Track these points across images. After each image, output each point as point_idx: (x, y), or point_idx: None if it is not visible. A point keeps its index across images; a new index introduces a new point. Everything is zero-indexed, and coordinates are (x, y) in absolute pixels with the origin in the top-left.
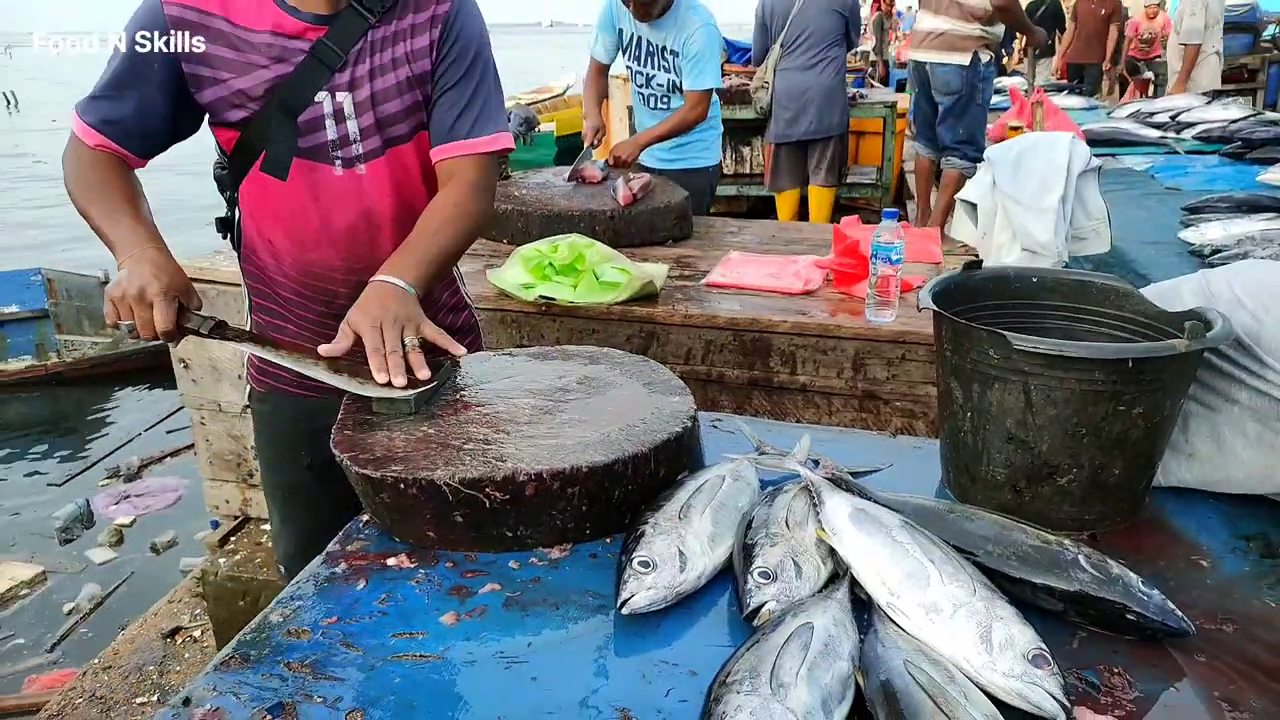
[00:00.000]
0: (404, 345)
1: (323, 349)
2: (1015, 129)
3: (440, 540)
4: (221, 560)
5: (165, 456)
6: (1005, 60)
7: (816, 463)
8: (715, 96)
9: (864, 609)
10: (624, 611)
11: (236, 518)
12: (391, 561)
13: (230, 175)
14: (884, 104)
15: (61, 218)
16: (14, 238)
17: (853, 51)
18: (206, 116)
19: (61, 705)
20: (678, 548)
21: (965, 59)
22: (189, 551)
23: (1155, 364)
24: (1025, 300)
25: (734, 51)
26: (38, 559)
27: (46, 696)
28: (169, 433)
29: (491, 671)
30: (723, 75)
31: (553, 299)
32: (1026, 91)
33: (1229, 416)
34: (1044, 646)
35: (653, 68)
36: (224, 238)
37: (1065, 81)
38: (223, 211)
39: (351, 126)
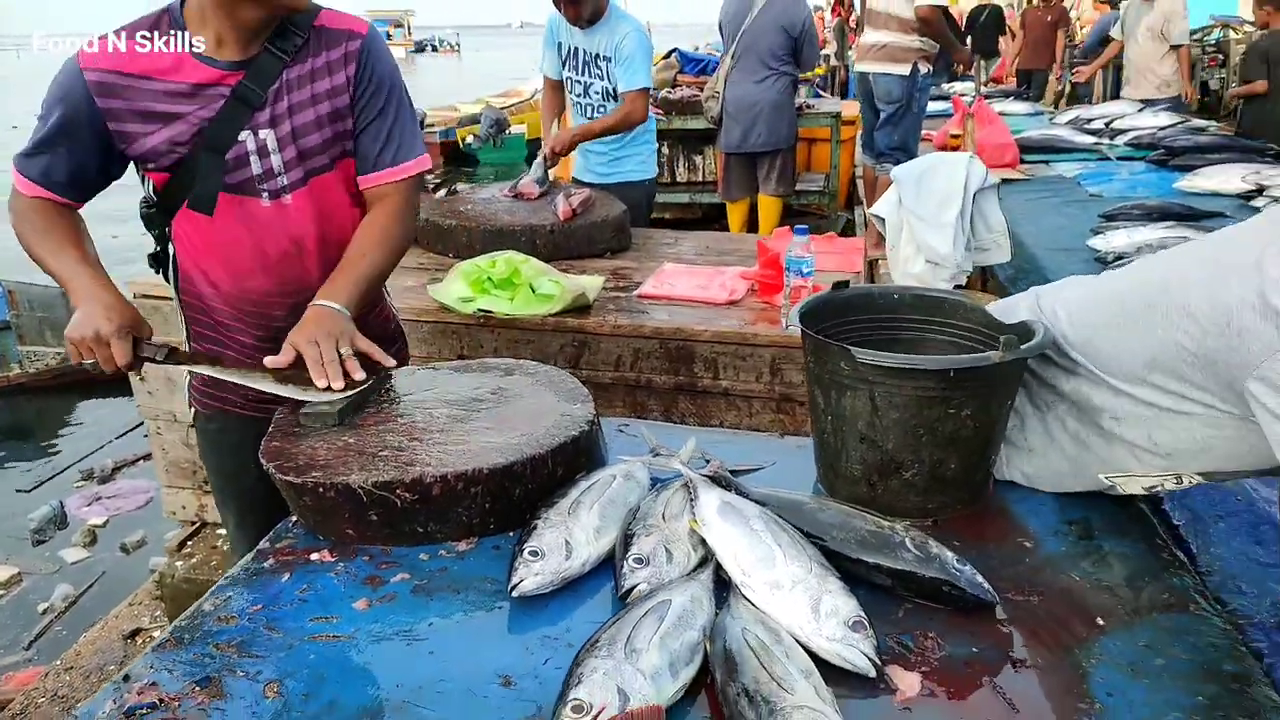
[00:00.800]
0: (340, 355)
1: (267, 360)
2: (956, 137)
3: (359, 537)
4: (179, 563)
5: (138, 459)
6: (956, 68)
7: (707, 461)
8: (651, 115)
9: (726, 589)
10: (514, 594)
11: (193, 523)
12: (314, 556)
13: (160, 213)
14: (830, 114)
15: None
16: None
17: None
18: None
19: (24, 705)
20: (565, 539)
21: (905, 69)
22: (158, 551)
23: (977, 373)
24: (888, 315)
25: (686, 62)
26: (12, 560)
27: (12, 694)
28: (145, 436)
29: (395, 648)
30: (675, 85)
31: (490, 312)
32: (971, 99)
33: (1055, 414)
34: (863, 615)
35: (589, 76)
36: (157, 272)
37: (1014, 87)
38: (152, 247)
39: (275, 160)
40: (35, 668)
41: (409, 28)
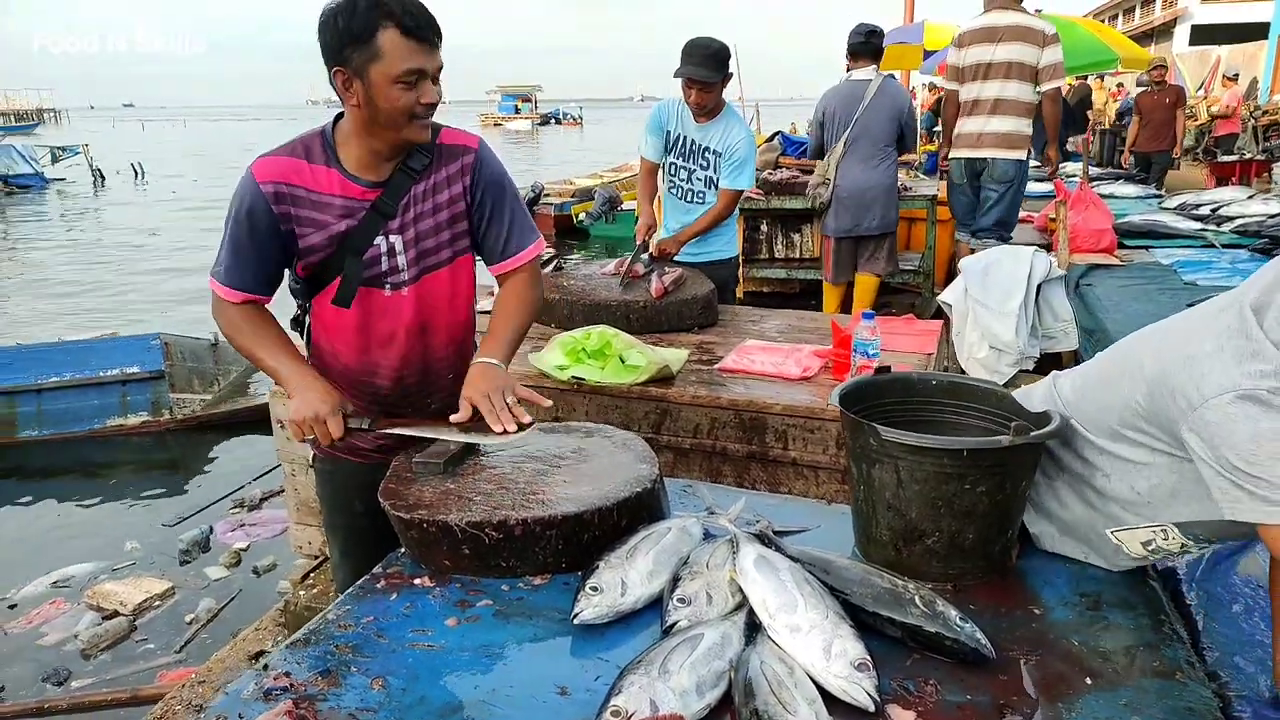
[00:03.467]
0: (508, 404)
1: (453, 417)
2: (1054, 220)
3: (454, 567)
4: (301, 593)
5: (282, 490)
6: (1048, 168)
7: (756, 521)
8: None
9: (757, 630)
10: (575, 622)
11: (316, 557)
12: (417, 581)
13: (304, 290)
14: (927, 197)
15: (175, 285)
16: (143, 296)
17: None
18: None
19: (163, 712)
20: (621, 578)
21: (1023, 154)
22: (286, 575)
23: (989, 453)
24: (923, 398)
25: (789, 145)
26: (167, 576)
27: (166, 689)
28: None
29: (476, 658)
30: (777, 167)
31: (583, 379)
32: (1075, 181)
33: (1064, 479)
34: (868, 658)
35: (694, 164)
36: (297, 332)
37: (1128, 170)
38: (294, 312)
39: (400, 260)
40: (185, 668)
41: (536, 102)
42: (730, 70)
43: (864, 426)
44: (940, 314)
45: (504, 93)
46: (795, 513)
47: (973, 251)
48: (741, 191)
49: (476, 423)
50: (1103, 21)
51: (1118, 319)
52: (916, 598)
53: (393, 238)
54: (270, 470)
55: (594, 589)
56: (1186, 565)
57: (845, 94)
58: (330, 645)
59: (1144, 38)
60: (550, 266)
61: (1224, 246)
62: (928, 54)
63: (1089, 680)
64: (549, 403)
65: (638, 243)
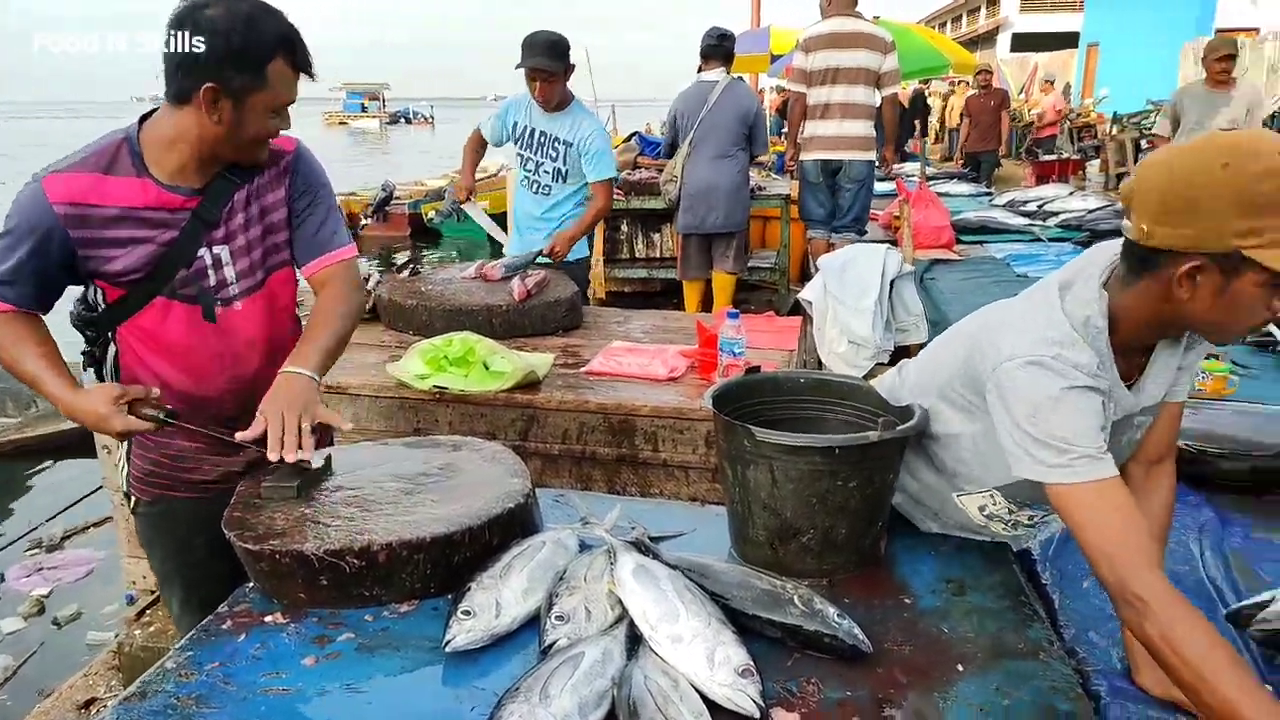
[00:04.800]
0: (301, 428)
1: (239, 436)
2: (898, 218)
3: (310, 600)
4: (137, 632)
5: (88, 527)
6: (882, 166)
7: (632, 528)
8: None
9: (638, 643)
10: (447, 650)
11: (153, 592)
12: (269, 619)
13: (104, 320)
14: (780, 196)
15: None
16: None
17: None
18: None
19: None
20: (495, 599)
21: (874, 155)
22: (94, 623)
23: (859, 449)
24: (791, 396)
25: (646, 145)
26: None
27: None
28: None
29: (338, 700)
30: (635, 167)
31: (445, 388)
32: (915, 181)
33: (916, 454)
34: (751, 663)
35: (543, 156)
36: (86, 369)
37: (962, 169)
38: (83, 346)
39: (228, 272)
40: None
41: (384, 101)
42: (572, 61)
43: (738, 428)
44: (797, 310)
45: (349, 90)
46: (670, 516)
47: (831, 248)
48: (613, 180)
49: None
50: (934, 28)
51: (958, 310)
52: (795, 597)
53: (218, 249)
54: (79, 501)
55: (466, 613)
56: (1040, 545)
57: (694, 94)
58: (170, 698)
59: (971, 44)
60: (407, 271)
61: (1050, 240)
62: (774, 58)
63: (960, 667)
64: (348, 425)
65: (458, 199)
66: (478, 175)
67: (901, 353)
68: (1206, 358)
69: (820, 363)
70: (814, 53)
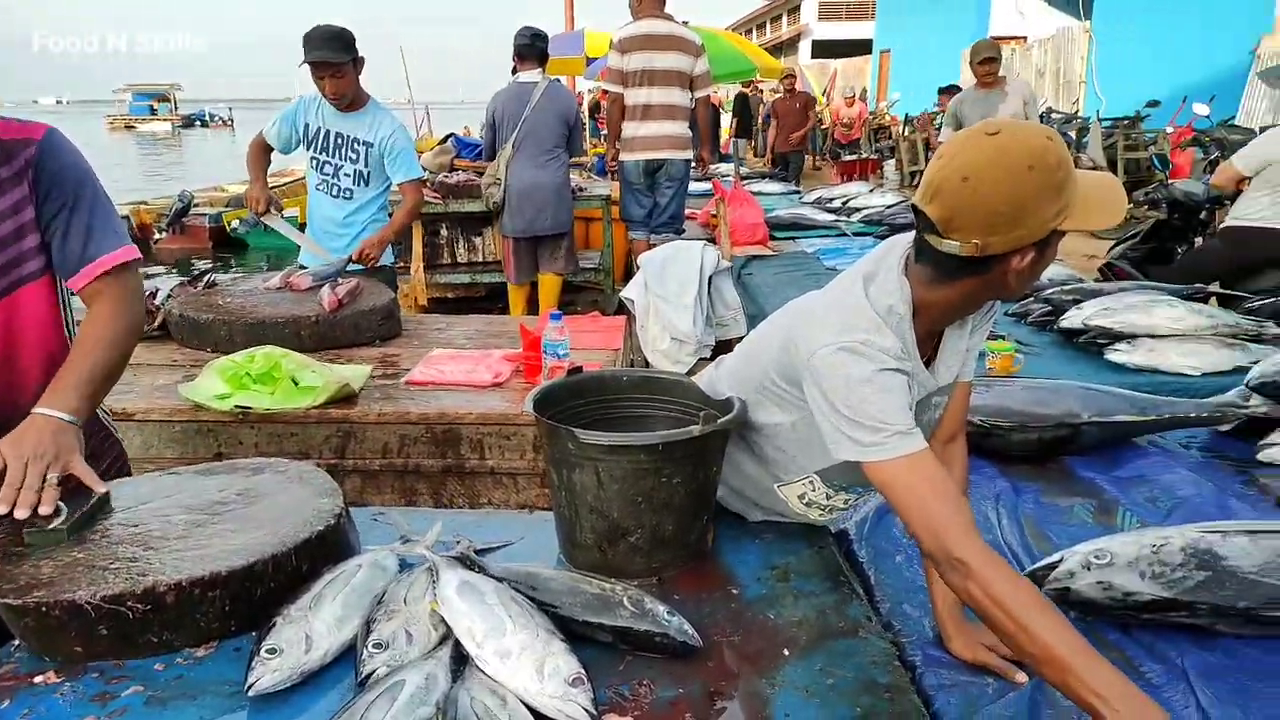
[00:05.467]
0: (44, 481)
1: None
2: (715, 216)
3: (88, 654)
4: None
5: None
6: (698, 165)
7: (457, 542)
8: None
9: (465, 663)
10: (250, 694)
11: None
12: (39, 679)
13: None
14: (601, 197)
15: None
16: None
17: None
18: None
19: None
20: (305, 633)
21: (691, 154)
22: None
23: (682, 444)
24: (615, 395)
25: (463, 148)
26: None
27: None
28: None
29: None
30: (453, 170)
31: (249, 408)
32: (730, 181)
33: (738, 446)
34: (582, 672)
35: (341, 159)
36: None
37: (773, 169)
38: None
39: None
40: None
41: (175, 103)
42: (359, 54)
43: (561, 431)
44: (624, 309)
45: (135, 92)
46: (497, 526)
47: (651, 248)
48: (423, 179)
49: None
50: (741, 34)
51: (775, 303)
52: (625, 599)
53: None
54: None
55: (271, 651)
56: (856, 525)
57: (513, 95)
58: None
59: (775, 50)
60: (203, 283)
61: (854, 235)
62: (590, 61)
63: (786, 652)
64: (104, 488)
65: (256, 212)
66: (286, 179)
67: (723, 347)
68: (995, 339)
69: (646, 361)
70: (630, 53)
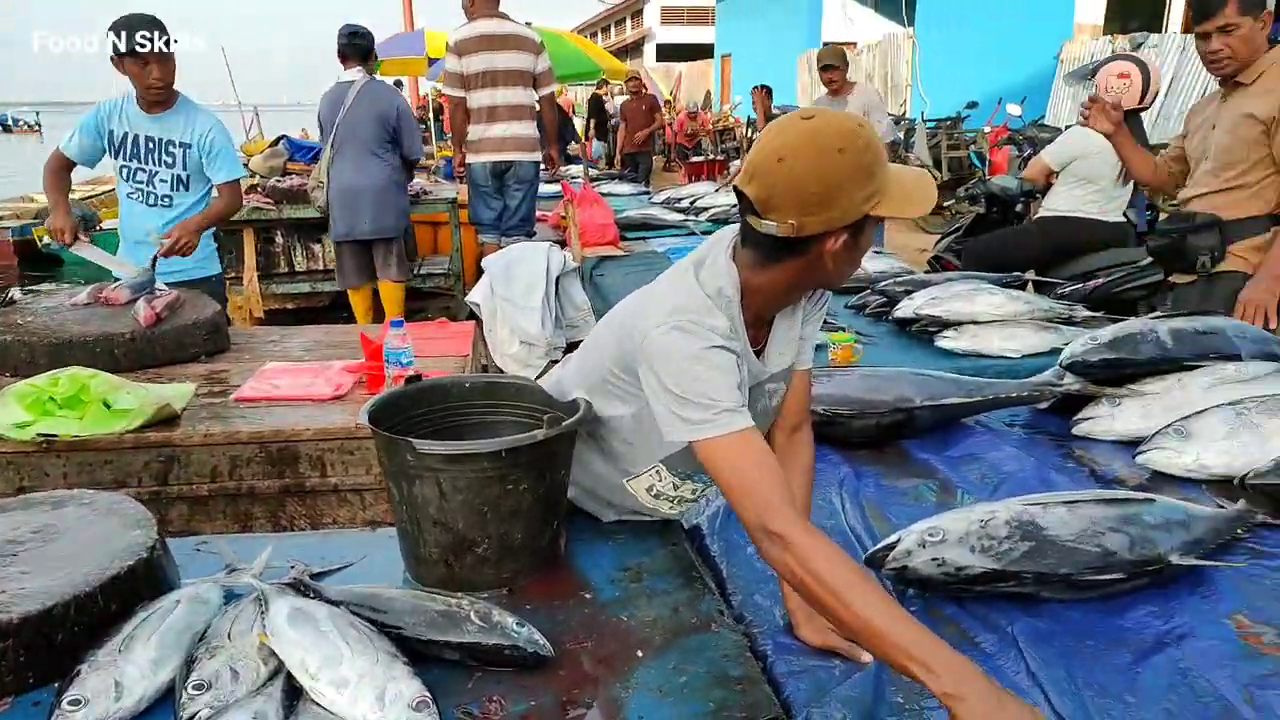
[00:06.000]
0: None
1: None
2: (564, 218)
3: None
4: None
5: None
6: (573, 149)
7: (291, 568)
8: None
9: (299, 697)
10: None
11: None
12: None
13: None
14: (447, 200)
15: None
16: None
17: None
18: None
19: None
20: (114, 679)
21: (539, 156)
22: None
23: (526, 450)
24: (459, 403)
25: (295, 150)
26: None
27: None
28: None
29: None
30: (285, 173)
31: (54, 435)
32: (580, 180)
33: (586, 444)
34: (427, 695)
35: (155, 164)
36: None
37: (622, 170)
38: None
39: None
40: None
41: None
42: (174, 36)
43: (399, 443)
44: (474, 314)
45: None
46: (338, 547)
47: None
48: (238, 181)
49: None
50: (585, 37)
51: None
52: (472, 613)
53: None
54: None
55: (75, 702)
56: (707, 520)
57: (334, 96)
58: None
59: (621, 53)
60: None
61: (703, 233)
62: (432, 61)
63: (640, 653)
64: None
65: (63, 243)
66: (104, 187)
67: (574, 349)
68: (836, 330)
69: (498, 367)
70: (469, 55)
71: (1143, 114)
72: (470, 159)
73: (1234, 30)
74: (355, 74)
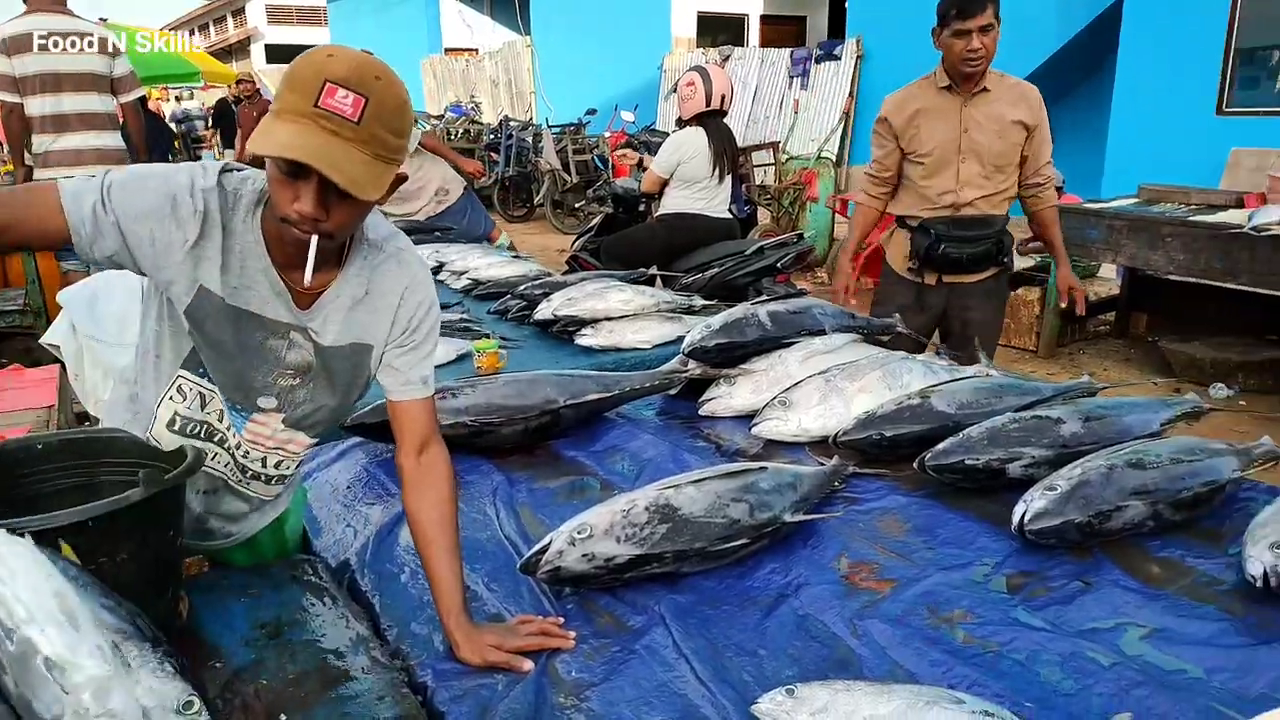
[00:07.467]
0: None
1: None
2: None
3: None
4: None
5: None
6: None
7: None
8: None
9: None
10: None
11: None
12: None
13: None
14: None
15: None
16: None
17: None
18: None
19: None
20: None
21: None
22: None
23: (117, 516)
24: (33, 469)
25: None
26: None
27: None
28: None
29: None
30: None
31: None
32: None
33: None
34: None
35: None
36: None
37: None
38: None
39: None
40: None
41: None
42: None
43: None
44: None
45: None
46: None
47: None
48: None
49: None
50: (181, 36)
51: None
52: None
53: None
54: None
55: None
56: (357, 554)
57: None
58: None
59: (225, 54)
60: None
61: None
62: None
63: (284, 717)
64: None
65: None
66: None
67: None
68: (480, 338)
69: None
70: (22, 55)
71: (726, 117)
72: (40, 174)
73: (990, 31)
74: None
